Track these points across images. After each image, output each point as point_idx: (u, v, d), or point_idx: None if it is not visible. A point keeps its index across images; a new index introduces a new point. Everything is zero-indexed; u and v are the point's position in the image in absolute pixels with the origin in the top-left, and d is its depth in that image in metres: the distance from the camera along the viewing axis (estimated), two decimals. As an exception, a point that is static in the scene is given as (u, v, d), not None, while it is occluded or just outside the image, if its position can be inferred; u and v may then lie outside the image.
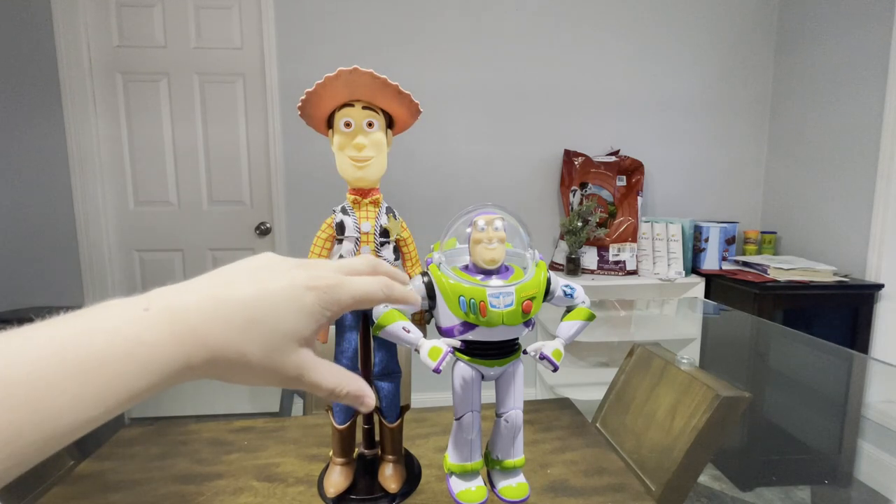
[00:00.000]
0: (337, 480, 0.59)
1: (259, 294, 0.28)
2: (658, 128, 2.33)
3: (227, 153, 2.21)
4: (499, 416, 0.54)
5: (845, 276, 1.90)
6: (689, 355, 0.91)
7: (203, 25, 2.13)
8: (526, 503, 0.53)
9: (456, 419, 0.53)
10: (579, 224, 2.06)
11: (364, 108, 0.54)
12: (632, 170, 2.23)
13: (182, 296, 0.27)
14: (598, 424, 0.96)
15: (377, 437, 0.64)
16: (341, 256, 0.56)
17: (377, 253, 0.57)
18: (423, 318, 0.58)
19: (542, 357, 0.51)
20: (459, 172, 2.26)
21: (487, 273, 0.49)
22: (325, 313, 0.31)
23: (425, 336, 0.51)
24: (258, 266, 0.30)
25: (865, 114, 1.88)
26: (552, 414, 0.85)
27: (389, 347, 0.60)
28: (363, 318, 0.60)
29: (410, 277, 0.59)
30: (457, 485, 0.54)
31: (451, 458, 0.54)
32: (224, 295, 0.28)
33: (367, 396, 0.34)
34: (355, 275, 0.33)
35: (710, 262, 2.15)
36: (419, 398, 0.99)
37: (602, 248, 2.15)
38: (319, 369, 0.31)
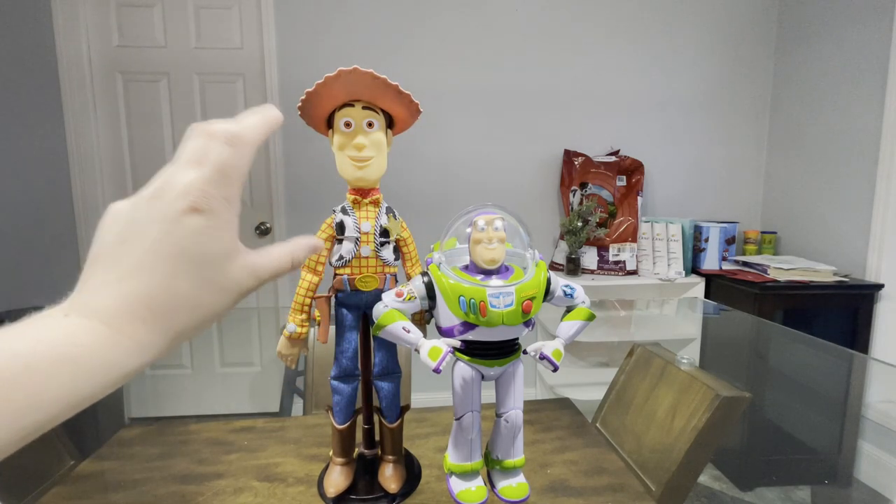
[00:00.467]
0: (337, 480, 0.59)
1: (150, 252, 0.25)
2: (658, 128, 2.33)
3: (227, 153, 2.21)
4: (499, 416, 0.54)
5: (845, 276, 1.90)
6: (689, 355, 0.91)
7: (203, 25, 2.13)
8: (526, 503, 0.53)
9: (456, 419, 0.53)
10: (579, 224, 2.06)
11: (364, 108, 0.54)
12: (632, 170, 2.23)
13: (97, 294, 0.25)
14: (598, 424, 0.96)
15: (377, 437, 0.64)
16: (341, 257, 0.56)
17: (377, 253, 0.57)
18: (423, 318, 0.58)
19: (542, 357, 0.51)
20: (459, 172, 2.26)
21: (487, 273, 0.49)
22: (221, 215, 0.27)
23: (425, 336, 0.51)
24: (121, 229, 0.26)
25: (865, 114, 1.88)
26: (552, 414, 0.86)
27: (389, 347, 0.60)
28: (363, 319, 0.60)
29: (410, 277, 0.59)
30: (457, 485, 0.54)
31: (451, 458, 0.54)
32: (128, 270, 0.25)
33: (315, 243, 0.34)
34: (202, 157, 0.28)
35: (710, 262, 2.15)
36: (419, 398, 0.99)
37: (602, 248, 2.15)
38: (265, 261, 0.30)
